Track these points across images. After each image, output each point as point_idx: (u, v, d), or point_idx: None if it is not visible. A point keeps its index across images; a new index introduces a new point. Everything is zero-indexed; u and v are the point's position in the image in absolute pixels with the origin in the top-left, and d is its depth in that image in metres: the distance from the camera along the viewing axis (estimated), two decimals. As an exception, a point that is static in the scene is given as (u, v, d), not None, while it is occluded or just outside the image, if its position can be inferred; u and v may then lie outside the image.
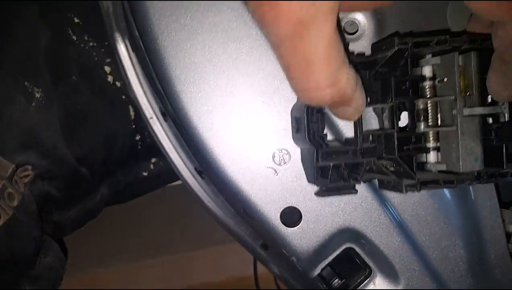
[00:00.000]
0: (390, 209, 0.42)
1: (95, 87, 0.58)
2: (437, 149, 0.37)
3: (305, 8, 0.25)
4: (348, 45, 0.37)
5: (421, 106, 0.36)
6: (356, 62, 0.36)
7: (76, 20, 0.58)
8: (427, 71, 0.36)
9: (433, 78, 0.36)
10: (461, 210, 0.43)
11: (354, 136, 0.37)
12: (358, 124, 0.37)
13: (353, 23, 0.41)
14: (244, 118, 0.41)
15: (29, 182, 0.45)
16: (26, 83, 0.48)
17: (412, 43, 0.33)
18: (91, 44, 0.59)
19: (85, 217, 0.59)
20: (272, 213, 0.41)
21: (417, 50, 0.34)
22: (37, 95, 0.49)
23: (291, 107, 0.40)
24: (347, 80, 0.29)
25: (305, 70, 0.28)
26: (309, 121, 0.36)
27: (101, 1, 0.59)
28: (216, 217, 0.56)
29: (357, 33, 0.40)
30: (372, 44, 0.37)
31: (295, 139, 0.40)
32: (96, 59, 0.59)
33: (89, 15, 0.57)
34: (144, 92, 0.55)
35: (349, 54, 0.36)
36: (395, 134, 0.36)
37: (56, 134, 0.50)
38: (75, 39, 0.58)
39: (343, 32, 0.40)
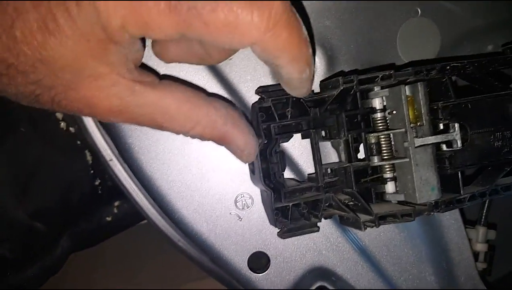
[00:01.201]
0: (357, 242, 0.42)
1: (47, 137, 0.56)
2: (394, 179, 0.37)
3: None
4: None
5: (373, 141, 0.35)
6: (306, 100, 0.35)
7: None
8: (377, 103, 0.36)
9: (383, 109, 0.36)
10: (428, 234, 0.43)
11: (315, 172, 0.36)
12: (317, 161, 0.36)
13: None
14: (202, 164, 0.40)
15: (-23, 249, 0.43)
16: (-33, 144, 0.45)
17: (357, 81, 0.33)
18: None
19: (45, 274, 0.56)
20: (239, 260, 0.40)
21: (363, 87, 0.34)
22: (-19, 155, 0.46)
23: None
24: (208, 120, 0.30)
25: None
26: (266, 163, 0.35)
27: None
28: (189, 255, 0.54)
29: (308, 70, 0.40)
30: (320, 82, 0.37)
31: (253, 180, 0.39)
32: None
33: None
34: (101, 134, 0.53)
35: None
36: (351, 167, 0.36)
37: (5, 194, 0.47)
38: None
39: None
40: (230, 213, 0.40)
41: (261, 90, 0.35)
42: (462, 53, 0.44)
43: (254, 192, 0.40)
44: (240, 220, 0.40)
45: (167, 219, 0.54)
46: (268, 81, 0.40)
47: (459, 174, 0.36)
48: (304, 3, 0.40)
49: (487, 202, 0.49)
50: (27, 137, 0.54)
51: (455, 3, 0.42)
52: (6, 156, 0.50)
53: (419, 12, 0.42)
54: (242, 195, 0.40)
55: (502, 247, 0.52)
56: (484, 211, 0.48)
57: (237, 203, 0.40)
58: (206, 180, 0.40)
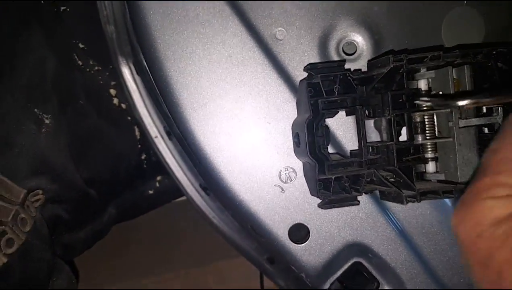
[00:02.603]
0: (396, 222, 0.43)
1: (101, 110, 0.60)
2: (435, 159, 0.38)
3: None
4: (345, 61, 0.38)
5: (418, 119, 0.37)
6: (354, 78, 0.37)
7: (81, 46, 0.60)
8: (422, 84, 0.37)
9: (429, 91, 0.37)
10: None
11: (359, 148, 0.38)
12: (362, 137, 0.38)
13: (351, 44, 0.42)
14: (250, 138, 0.42)
15: (40, 206, 0.47)
16: (35, 110, 0.49)
17: (406, 60, 0.34)
18: (96, 68, 0.61)
19: (94, 237, 0.61)
20: (280, 230, 0.42)
21: (411, 66, 0.35)
22: (47, 121, 0.50)
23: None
24: None
25: None
26: (312, 136, 0.37)
27: (106, 27, 0.61)
28: (222, 232, 0.57)
29: (356, 54, 0.42)
30: (368, 61, 0.39)
31: (296, 153, 0.41)
32: (101, 82, 0.61)
33: (94, 40, 0.59)
34: (149, 112, 0.56)
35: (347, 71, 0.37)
36: (394, 146, 0.37)
37: (65, 158, 0.51)
38: (80, 64, 0.60)
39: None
40: (274, 185, 0.42)
41: (309, 67, 0.37)
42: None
43: (297, 166, 0.42)
44: (283, 192, 0.42)
45: (205, 196, 0.57)
46: (316, 60, 0.42)
47: (501, 156, 0.37)
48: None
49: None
50: (84, 109, 0.58)
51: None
52: (67, 124, 0.54)
53: (465, 1, 0.43)
54: (286, 169, 0.42)
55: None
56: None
57: (281, 176, 0.42)
58: (253, 153, 0.42)
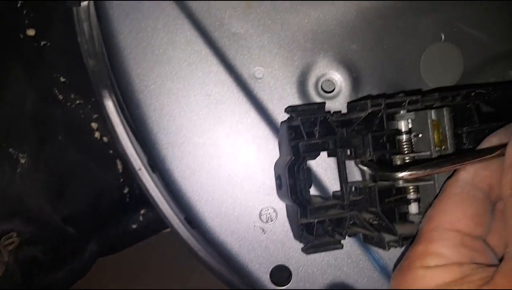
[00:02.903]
0: (379, 261, 0.42)
1: (82, 145, 0.59)
2: (418, 200, 0.38)
3: None
4: (325, 104, 0.38)
5: (398, 162, 0.36)
6: (334, 120, 0.37)
7: (62, 80, 0.59)
8: (402, 125, 0.37)
9: (409, 132, 0.37)
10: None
11: (340, 190, 0.37)
12: (343, 179, 0.37)
13: (330, 82, 0.42)
14: (230, 178, 0.41)
15: (14, 249, 0.45)
16: (10, 149, 0.48)
17: (385, 105, 0.34)
18: (77, 102, 0.60)
19: (74, 277, 0.59)
20: (261, 273, 0.41)
21: (390, 110, 0.35)
22: (22, 161, 0.49)
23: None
24: None
25: None
26: (293, 179, 0.37)
27: (87, 61, 0.60)
28: (208, 266, 0.55)
29: (335, 91, 0.42)
30: (347, 103, 0.39)
31: (279, 196, 0.40)
32: (82, 116, 0.60)
33: (76, 73, 0.59)
34: (132, 144, 0.55)
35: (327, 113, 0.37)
36: (376, 187, 0.37)
37: (42, 198, 0.50)
38: (61, 98, 0.59)
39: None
40: (255, 225, 0.41)
41: (290, 109, 0.37)
42: (485, 79, 0.45)
43: (278, 206, 0.41)
44: (264, 233, 0.41)
45: (190, 229, 0.56)
46: (295, 101, 0.42)
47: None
48: (331, 27, 0.41)
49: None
50: (64, 145, 0.57)
51: (479, 29, 0.43)
52: (44, 162, 0.52)
53: (443, 37, 0.43)
54: (266, 209, 0.41)
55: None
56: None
57: (262, 216, 0.41)
58: (232, 192, 0.41)
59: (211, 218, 0.42)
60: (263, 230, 0.41)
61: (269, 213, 0.41)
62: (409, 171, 0.32)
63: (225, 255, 0.42)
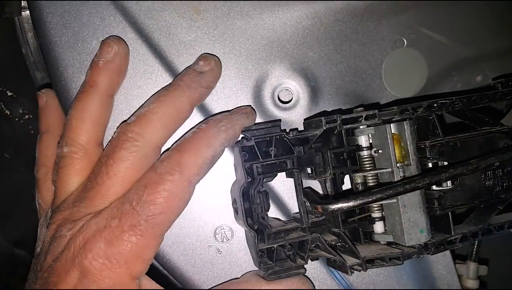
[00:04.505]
0: (343, 282, 0.40)
1: (30, 162, 0.55)
2: (383, 218, 0.36)
3: None
4: (280, 121, 0.36)
5: (359, 181, 0.34)
6: (289, 138, 0.34)
7: (9, 94, 0.55)
8: (363, 141, 0.35)
9: (370, 147, 0.35)
10: (416, 270, 0.42)
11: (299, 213, 0.35)
12: (301, 203, 0.34)
13: (287, 91, 0.39)
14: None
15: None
16: None
17: (340, 121, 0.32)
18: (26, 116, 0.56)
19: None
20: (219, 295, 0.39)
21: (347, 126, 0.33)
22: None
23: (229, 182, 0.38)
24: None
25: None
26: (249, 203, 0.34)
27: (34, 73, 0.56)
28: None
29: (292, 101, 0.39)
30: (303, 120, 0.36)
31: (237, 221, 0.38)
32: (32, 132, 0.56)
33: (23, 87, 0.55)
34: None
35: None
36: (339, 206, 0.35)
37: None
38: (8, 113, 0.55)
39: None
40: (210, 246, 0.39)
41: (243, 129, 0.34)
42: (450, 84, 0.43)
43: (234, 224, 0.39)
44: (220, 253, 0.39)
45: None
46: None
47: (450, 214, 0.35)
48: (286, 34, 0.39)
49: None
50: (11, 163, 0.53)
51: (442, 34, 0.42)
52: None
53: (405, 42, 0.41)
54: (221, 227, 0.39)
55: (494, 284, 0.50)
56: (475, 246, 0.46)
57: (217, 236, 0.39)
58: (185, 212, 0.38)
59: (164, 242, 0.39)
60: (219, 251, 0.39)
61: (225, 232, 0.39)
62: (341, 203, 0.30)
63: (179, 278, 0.39)
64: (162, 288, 0.35)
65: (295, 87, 0.40)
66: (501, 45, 0.44)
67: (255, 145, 0.33)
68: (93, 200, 0.33)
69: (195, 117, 0.38)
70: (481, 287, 0.47)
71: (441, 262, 0.42)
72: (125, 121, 0.35)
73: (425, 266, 0.42)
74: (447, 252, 0.42)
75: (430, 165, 0.35)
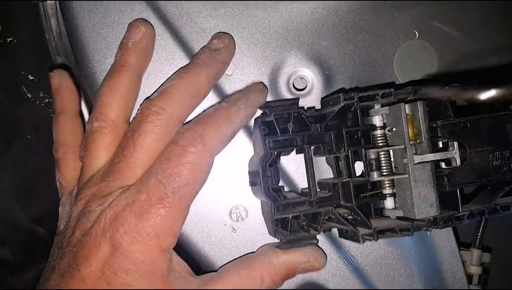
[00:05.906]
0: (350, 259, 0.42)
1: (51, 144, 0.57)
2: (393, 195, 0.37)
3: None
4: (299, 100, 0.38)
5: (373, 156, 0.36)
6: (307, 116, 0.36)
7: (31, 78, 0.57)
8: (377, 120, 0.37)
9: (383, 126, 0.37)
10: (421, 255, 0.43)
11: (308, 187, 0.37)
12: (310, 175, 0.36)
13: (302, 79, 0.41)
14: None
15: (-21, 252, 0.43)
16: (-26, 151, 0.46)
17: (357, 98, 0.33)
18: (46, 100, 0.58)
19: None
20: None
21: (363, 104, 0.34)
22: (-14, 162, 0.47)
23: (245, 163, 0.40)
24: None
25: None
26: (267, 175, 0.36)
27: (55, 58, 0.58)
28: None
29: (307, 89, 0.41)
30: (321, 98, 0.38)
31: (254, 192, 0.39)
32: (52, 115, 0.58)
33: (44, 71, 0.57)
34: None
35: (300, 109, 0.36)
36: (351, 182, 0.36)
37: (8, 199, 0.48)
38: (30, 96, 0.57)
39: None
40: (225, 224, 0.40)
41: (263, 105, 0.36)
42: (459, 77, 0.45)
43: (248, 204, 0.40)
44: (234, 232, 0.40)
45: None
46: (268, 97, 0.41)
47: (458, 191, 0.36)
48: (302, 24, 0.41)
49: (482, 224, 0.49)
50: (32, 144, 0.55)
51: (453, 27, 0.43)
52: (12, 161, 0.50)
53: (417, 34, 0.43)
54: (237, 207, 0.40)
55: (496, 271, 0.52)
56: (479, 234, 0.48)
57: (232, 215, 0.40)
58: (202, 192, 0.40)
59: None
60: (234, 229, 0.40)
61: (240, 212, 0.40)
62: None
63: (195, 254, 0.40)
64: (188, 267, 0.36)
65: (309, 75, 0.41)
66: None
67: (274, 121, 0.35)
68: (121, 173, 0.34)
69: (214, 101, 0.40)
70: (484, 274, 0.48)
71: (446, 248, 0.43)
72: (148, 97, 0.37)
73: (431, 252, 0.43)
74: (452, 239, 0.43)
75: (440, 144, 0.37)
